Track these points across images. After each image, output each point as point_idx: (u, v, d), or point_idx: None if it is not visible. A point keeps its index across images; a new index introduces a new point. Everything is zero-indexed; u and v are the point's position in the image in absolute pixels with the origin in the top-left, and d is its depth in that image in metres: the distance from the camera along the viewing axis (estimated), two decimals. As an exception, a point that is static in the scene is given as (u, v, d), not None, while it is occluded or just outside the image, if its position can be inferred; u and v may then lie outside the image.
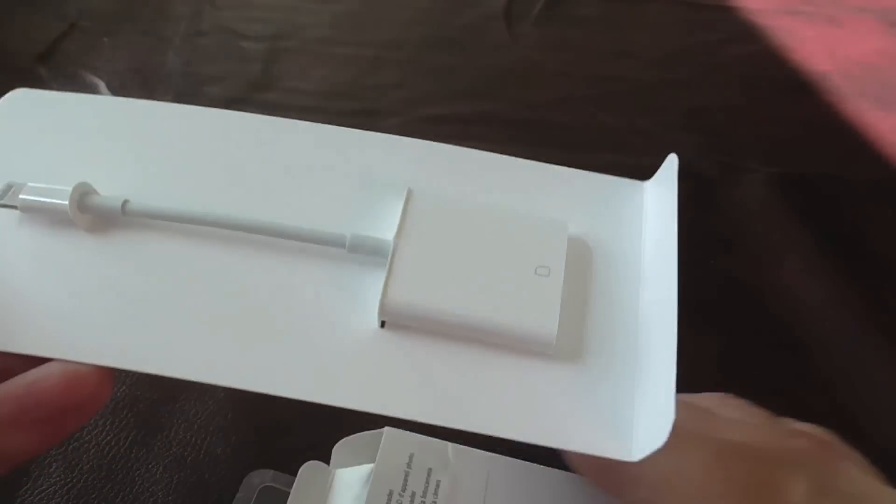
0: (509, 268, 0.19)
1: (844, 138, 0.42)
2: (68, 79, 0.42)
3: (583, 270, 0.19)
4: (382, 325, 0.18)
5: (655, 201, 0.21)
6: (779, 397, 0.32)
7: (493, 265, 0.19)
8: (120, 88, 0.41)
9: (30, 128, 0.22)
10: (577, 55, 0.46)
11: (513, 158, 0.22)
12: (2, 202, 0.19)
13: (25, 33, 0.44)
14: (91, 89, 0.41)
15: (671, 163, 0.20)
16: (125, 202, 0.19)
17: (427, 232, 0.19)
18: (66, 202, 0.19)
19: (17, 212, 0.20)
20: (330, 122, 0.43)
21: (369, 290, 0.19)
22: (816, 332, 0.33)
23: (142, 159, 0.21)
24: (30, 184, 0.20)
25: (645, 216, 0.21)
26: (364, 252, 0.19)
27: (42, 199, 0.19)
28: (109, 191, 0.20)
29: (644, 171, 0.38)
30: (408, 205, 0.19)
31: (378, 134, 0.22)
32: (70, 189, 0.19)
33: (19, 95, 0.23)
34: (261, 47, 0.45)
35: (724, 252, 0.36)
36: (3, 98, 0.22)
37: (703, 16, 0.49)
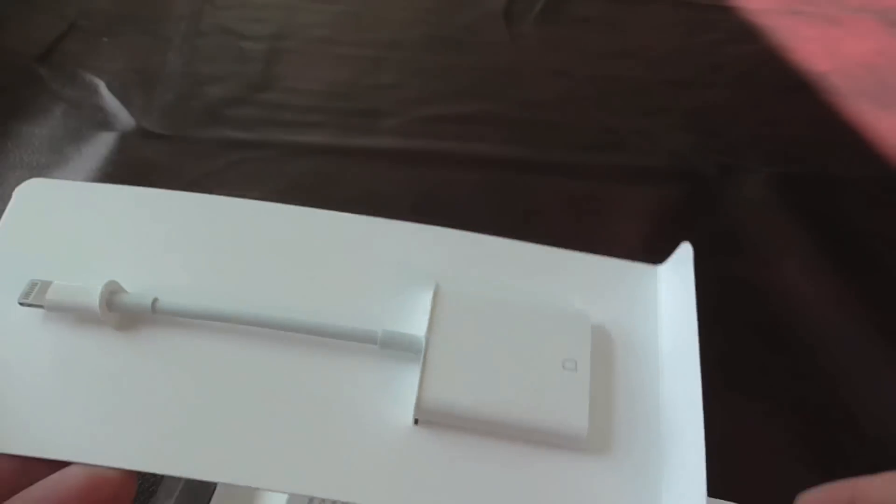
0: (538, 363, 0.19)
1: (844, 138, 0.42)
2: (68, 79, 0.42)
3: (605, 359, 0.20)
4: (416, 421, 0.18)
5: (670, 287, 0.21)
6: (779, 397, 0.32)
7: (522, 360, 0.19)
8: (120, 88, 0.41)
9: (44, 221, 0.22)
10: (577, 55, 0.46)
11: (529, 245, 0.22)
12: (27, 301, 0.19)
13: (25, 33, 0.44)
14: (91, 89, 0.41)
15: (685, 251, 0.20)
16: (155, 301, 0.19)
17: (457, 328, 0.19)
18: (96, 301, 0.19)
19: (41, 310, 0.19)
20: (330, 122, 0.43)
21: (400, 385, 0.19)
22: (816, 331, 0.33)
23: (162, 251, 0.21)
24: (55, 282, 0.19)
25: (659, 301, 0.21)
26: (395, 348, 0.19)
27: (70, 299, 0.19)
28: (131, 283, 0.20)
29: (644, 171, 0.38)
30: (436, 300, 0.20)
31: (400, 222, 0.22)
32: (100, 288, 0.19)
33: (31, 187, 0.22)
34: (261, 47, 0.45)
35: (724, 252, 0.36)
36: (16, 190, 0.22)
37: (703, 16, 0.49)
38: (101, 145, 0.38)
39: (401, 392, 0.19)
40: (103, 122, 0.40)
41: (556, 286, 0.21)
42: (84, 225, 0.21)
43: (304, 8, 0.48)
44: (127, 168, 0.38)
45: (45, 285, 0.19)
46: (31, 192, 0.22)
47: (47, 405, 0.18)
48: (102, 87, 0.41)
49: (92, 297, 0.19)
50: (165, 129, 0.40)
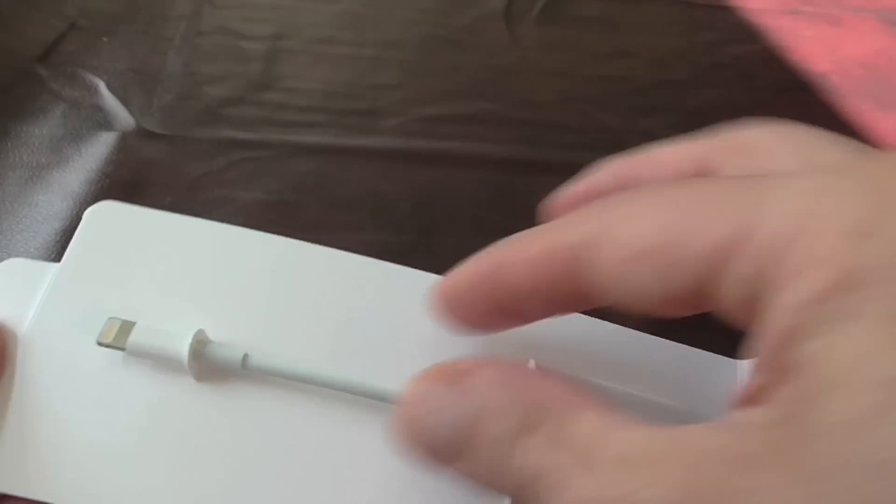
0: None
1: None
2: (68, 79, 0.42)
3: None
4: None
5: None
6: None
7: None
8: (120, 88, 0.41)
9: (115, 250, 0.20)
10: (577, 55, 0.46)
11: (617, 327, 0.21)
12: (107, 342, 0.18)
13: (25, 33, 0.44)
14: (91, 89, 0.41)
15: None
16: (245, 356, 0.18)
17: None
18: (186, 351, 0.18)
19: (117, 352, 0.18)
20: (330, 122, 0.43)
21: None
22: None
23: (246, 296, 0.20)
24: (139, 323, 0.18)
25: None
26: None
27: (155, 345, 0.18)
28: (212, 330, 0.19)
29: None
30: None
31: None
32: (190, 336, 0.18)
33: (103, 210, 0.21)
34: (261, 47, 0.45)
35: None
36: (87, 212, 0.21)
37: (703, 16, 0.49)
38: (101, 145, 0.38)
39: None
40: (103, 122, 0.40)
41: (643, 372, 0.21)
42: (160, 259, 0.20)
43: (304, 8, 0.48)
44: (127, 168, 0.38)
45: (128, 326, 0.18)
46: (102, 216, 0.21)
47: (115, 457, 0.17)
48: (102, 87, 0.41)
49: (181, 345, 0.18)
50: (165, 129, 0.40)
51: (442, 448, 0.15)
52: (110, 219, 0.21)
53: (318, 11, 0.47)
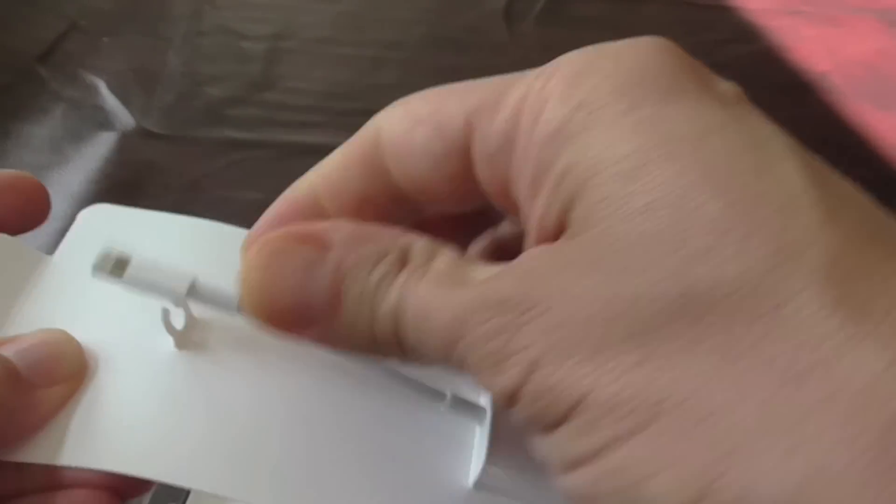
0: None
1: (844, 138, 0.42)
2: (68, 79, 0.42)
3: None
4: (475, 485, 0.18)
5: None
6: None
7: None
8: (120, 88, 0.41)
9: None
10: (577, 55, 0.46)
11: None
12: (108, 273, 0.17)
13: (25, 33, 0.44)
14: (91, 89, 0.41)
15: None
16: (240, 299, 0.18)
17: None
18: (186, 285, 0.17)
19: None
20: (330, 122, 0.43)
21: (460, 446, 0.19)
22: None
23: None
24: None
25: None
26: (460, 413, 0.19)
27: (154, 277, 0.17)
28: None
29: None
30: None
31: None
32: (190, 277, 0.17)
33: (97, 212, 0.21)
34: (261, 47, 0.45)
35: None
36: (80, 215, 0.21)
37: (703, 16, 0.49)
38: (101, 145, 0.38)
39: (461, 453, 0.19)
40: (103, 122, 0.40)
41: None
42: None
43: (304, 8, 0.48)
44: (127, 168, 0.38)
45: (124, 258, 0.17)
46: (95, 219, 0.21)
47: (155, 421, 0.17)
48: (102, 86, 0.41)
49: (180, 278, 0.17)
50: (165, 129, 0.40)
51: (297, 314, 0.14)
52: (103, 220, 0.21)
53: (318, 11, 0.48)
